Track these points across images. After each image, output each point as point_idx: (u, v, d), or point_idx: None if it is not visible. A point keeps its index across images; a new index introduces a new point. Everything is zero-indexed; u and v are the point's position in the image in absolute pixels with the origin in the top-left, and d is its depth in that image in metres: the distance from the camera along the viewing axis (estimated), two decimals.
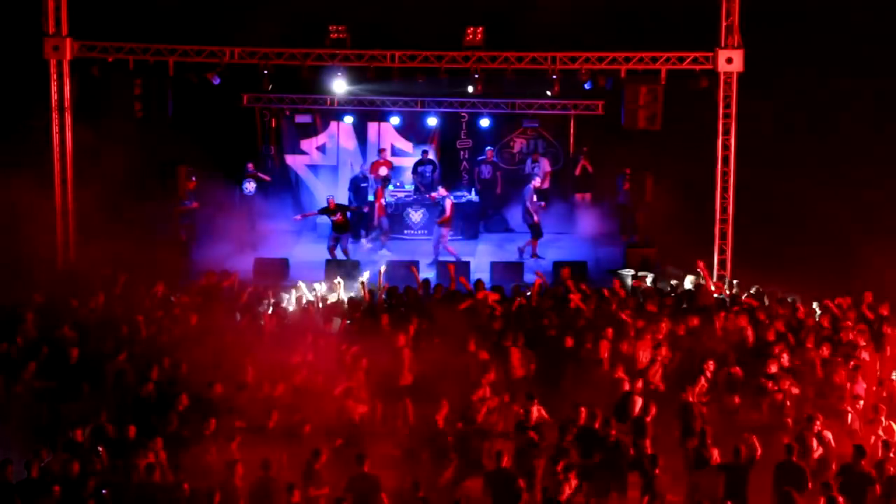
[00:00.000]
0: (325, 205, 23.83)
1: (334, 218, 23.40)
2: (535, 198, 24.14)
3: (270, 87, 23.04)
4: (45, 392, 15.87)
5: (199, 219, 24.41)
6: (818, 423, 14.70)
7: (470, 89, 22.78)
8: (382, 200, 24.86)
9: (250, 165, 25.38)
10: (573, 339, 17.29)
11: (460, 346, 16.98)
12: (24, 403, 15.71)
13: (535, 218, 24.03)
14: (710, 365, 16.33)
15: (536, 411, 15.27)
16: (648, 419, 15.09)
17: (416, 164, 26.25)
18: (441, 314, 18.44)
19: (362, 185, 25.58)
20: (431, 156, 26.39)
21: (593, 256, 24.32)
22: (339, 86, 23.24)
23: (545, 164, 26.34)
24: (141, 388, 15.61)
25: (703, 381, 16.11)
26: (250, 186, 25.12)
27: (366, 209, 25.28)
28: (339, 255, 23.36)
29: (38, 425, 15.35)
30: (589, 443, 14.47)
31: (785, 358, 16.46)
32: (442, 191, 24.29)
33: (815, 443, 14.48)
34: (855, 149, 23.56)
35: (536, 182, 24.52)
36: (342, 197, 25.42)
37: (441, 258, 23.24)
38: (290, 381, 15.98)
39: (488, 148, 26.41)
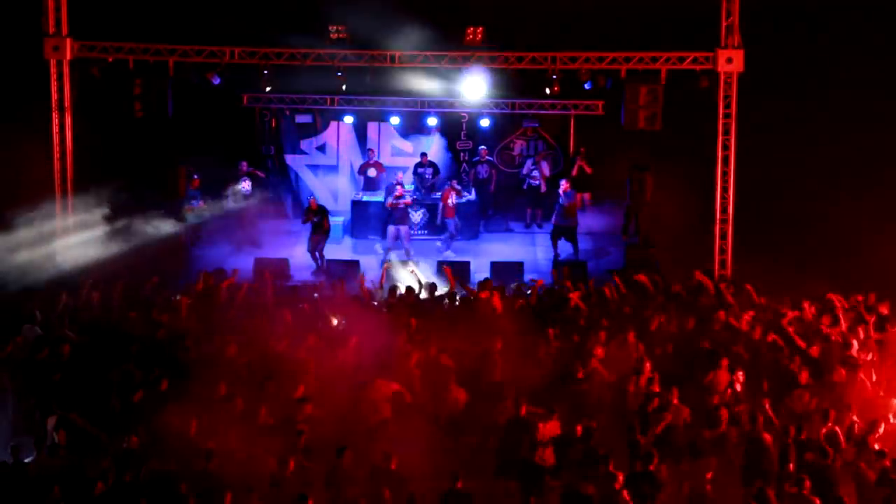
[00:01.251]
0: (306, 206, 23.92)
1: (315, 220, 23.34)
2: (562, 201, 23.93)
3: (268, 88, 22.96)
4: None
5: (204, 219, 24.36)
6: (880, 426, 14.66)
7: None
8: (451, 201, 24.44)
9: (244, 164, 25.31)
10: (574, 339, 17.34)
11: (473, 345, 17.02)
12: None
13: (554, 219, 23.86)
14: (740, 375, 15.93)
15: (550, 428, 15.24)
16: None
17: (416, 166, 26.24)
18: (441, 313, 18.51)
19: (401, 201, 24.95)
20: (431, 158, 26.34)
21: (593, 256, 24.31)
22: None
23: (545, 168, 26.31)
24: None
25: (730, 392, 15.77)
26: (246, 185, 25.07)
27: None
28: (318, 260, 23.33)
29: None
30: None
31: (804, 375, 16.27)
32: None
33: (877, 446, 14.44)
34: (856, 148, 23.57)
35: (565, 185, 23.99)
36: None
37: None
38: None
39: (481, 147, 26.40)
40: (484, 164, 26.37)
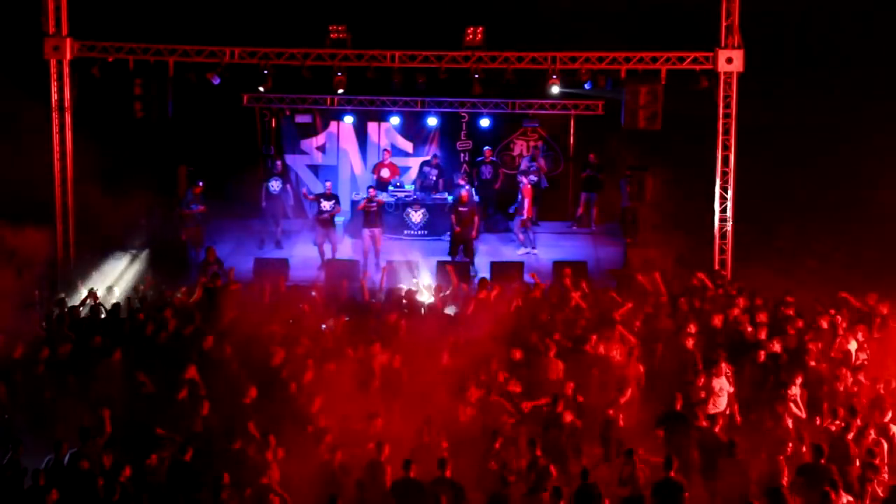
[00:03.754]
0: (323, 191, 24.02)
1: (325, 206, 23.30)
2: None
3: (261, 88, 22.84)
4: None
5: (204, 221, 24.20)
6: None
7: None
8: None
9: (279, 164, 25.32)
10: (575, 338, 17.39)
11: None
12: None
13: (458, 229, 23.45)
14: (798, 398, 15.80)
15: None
16: None
17: (423, 164, 26.23)
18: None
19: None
20: (439, 161, 26.33)
21: (593, 256, 24.31)
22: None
23: (542, 163, 26.32)
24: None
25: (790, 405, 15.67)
26: (276, 185, 25.01)
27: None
28: (328, 252, 23.35)
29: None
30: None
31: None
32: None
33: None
34: (855, 148, 23.56)
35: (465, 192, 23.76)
36: None
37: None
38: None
39: (486, 148, 26.37)
40: (488, 165, 26.32)
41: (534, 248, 24.45)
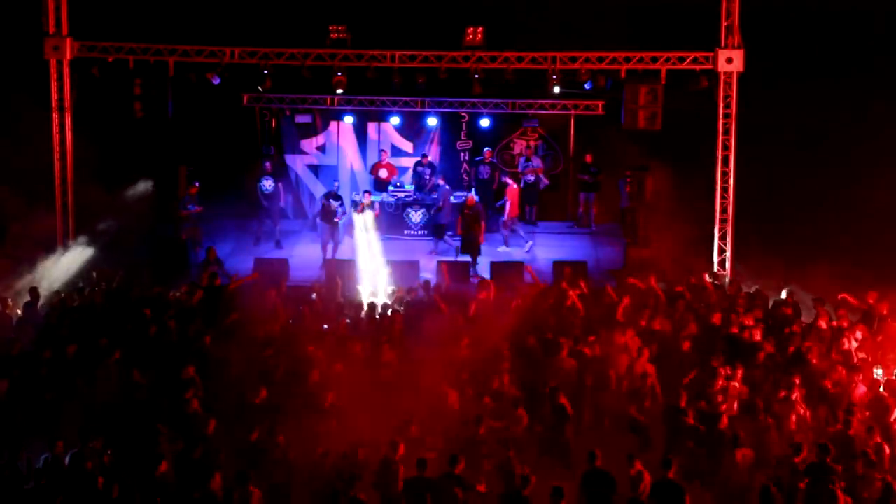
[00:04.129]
0: (331, 189, 24.14)
1: (333, 205, 23.34)
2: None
3: (260, 88, 22.85)
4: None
5: (202, 222, 24.19)
6: None
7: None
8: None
9: (268, 165, 25.33)
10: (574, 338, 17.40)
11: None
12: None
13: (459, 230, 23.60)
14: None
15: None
16: None
17: (416, 165, 26.26)
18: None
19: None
20: (431, 159, 26.34)
21: (593, 256, 24.32)
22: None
23: (536, 162, 26.33)
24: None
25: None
26: (268, 184, 25.01)
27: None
28: (330, 252, 23.37)
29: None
30: None
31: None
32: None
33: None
34: (855, 148, 23.56)
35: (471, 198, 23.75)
36: None
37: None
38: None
39: (486, 149, 26.36)
40: (486, 166, 26.30)
41: (530, 243, 24.43)
